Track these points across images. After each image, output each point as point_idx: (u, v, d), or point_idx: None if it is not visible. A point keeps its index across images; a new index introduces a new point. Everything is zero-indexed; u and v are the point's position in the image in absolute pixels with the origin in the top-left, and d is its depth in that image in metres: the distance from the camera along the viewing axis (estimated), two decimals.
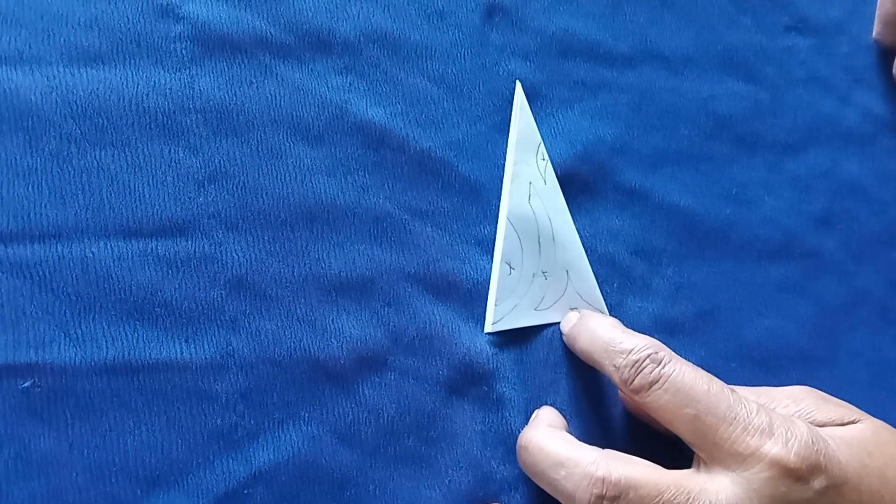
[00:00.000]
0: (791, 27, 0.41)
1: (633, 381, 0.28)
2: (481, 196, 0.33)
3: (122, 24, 0.29)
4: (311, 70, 0.31)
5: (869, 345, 0.40)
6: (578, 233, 0.34)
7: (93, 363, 0.27)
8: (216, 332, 0.29)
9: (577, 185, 0.35)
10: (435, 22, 0.33)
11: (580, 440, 0.29)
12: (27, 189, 0.27)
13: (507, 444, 0.31)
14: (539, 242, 0.33)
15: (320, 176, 0.31)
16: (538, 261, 0.33)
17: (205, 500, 0.28)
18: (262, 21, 0.31)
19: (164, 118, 0.29)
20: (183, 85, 0.30)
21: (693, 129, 0.38)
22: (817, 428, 0.28)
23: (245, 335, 0.29)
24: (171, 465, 0.28)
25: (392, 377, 0.31)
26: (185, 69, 0.30)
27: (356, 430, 0.30)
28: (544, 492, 0.29)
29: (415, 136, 0.32)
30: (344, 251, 0.31)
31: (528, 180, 0.33)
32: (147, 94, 0.29)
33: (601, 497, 0.26)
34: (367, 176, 0.31)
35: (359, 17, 0.32)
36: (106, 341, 0.27)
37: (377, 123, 0.32)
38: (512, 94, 0.34)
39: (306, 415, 0.29)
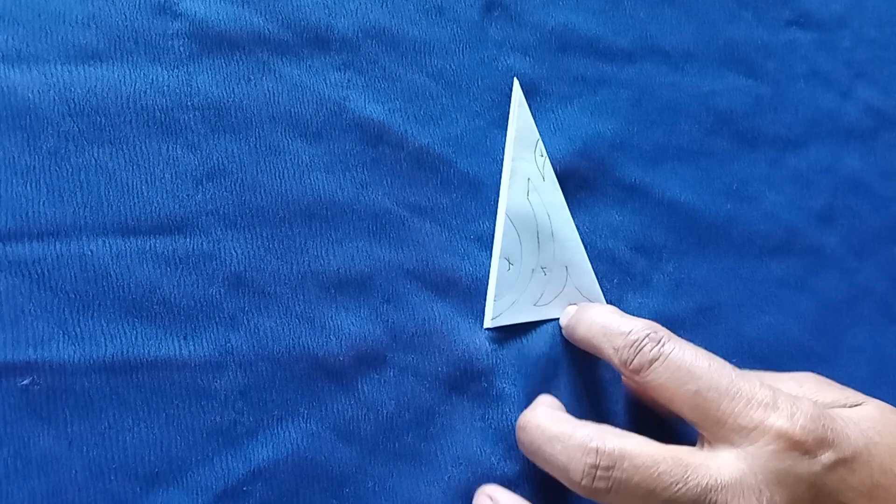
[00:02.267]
0: (792, 21, 0.41)
1: (633, 361, 0.28)
2: (480, 192, 0.33)
3: (120, 22, 0.29)
4: (310, 67, 0.31)
5: (870, 341, 0.40)
6: (578, 229, 0.34)
7: (91, 361, 0.27)
8: (215, 330, 0.29)
9: (576, 180, 0.35)
10: (433, 17, 0.33)
11: None
12: (25, 187, 0.27)
13: (507, 440, 0.31)
14: (538, 238, 0.33)
15: (318, 173, 0.31)
16: (537, 257, 0.33)
17: (204, 498, 0.28)
18: (259, 18, 0.31)
19: (162, 115, 0.29)
20: (181, 82, 0.30)
21: (693, 125, 0.38)
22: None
23: (244, 332, 0.29)
24: (170, 463, 0.28)
25: (391, 374, 0.30)
26: (182, 66, 0.30)
27: (355, 427, 0.30)
28: (544, 488, 0.29)
29: (413, 132, 0.32)
30: (342, 248, 0.31)
31: (527, 176, 0.33)
32: (145, 92, 0.29)
33: (594, 467, 0.26)
34: (365, 172, 0.31)
35: (357, 13, 0.32)
36: (104, 339, 0.27)
37: (375, 120, 0.32)
38: (510, 90, 0.34)
39: (305, 412, 0.29)
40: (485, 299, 0.32)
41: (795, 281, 0.39)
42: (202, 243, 0.29)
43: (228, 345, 0.29)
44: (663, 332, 0.29)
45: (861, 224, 0.41)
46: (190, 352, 0.28)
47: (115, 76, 0.29)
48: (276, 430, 0.29)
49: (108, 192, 0.28)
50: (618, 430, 0.27)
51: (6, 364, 0.26)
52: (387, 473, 0.30)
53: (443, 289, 0.32)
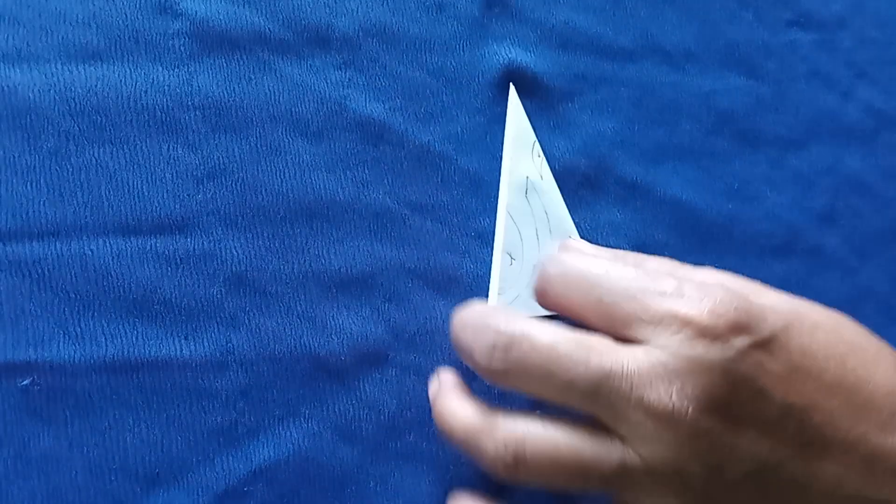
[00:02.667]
0: (793, 22, 0.41)
1: (537, 283, 0.27)
2: (481, 189, 0.33)
3: (121, 21, 0.29)
4: (310, 66, 0.31)
5: None
6: (579, 227, 0.34)
7: (92, 361, 0.27)
8: (216, 330, 0.29)
9: (577, 178, 0.35)
10: (434, 14, 0.33)
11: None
12: (26, 187, 0.27)
13: None
14: (537, 235, 0.33)
15: (319, 172, 0.31)
16: (538, 252, 0.33)
17: (205, 498, 0.27)
18: (260, 17, 0.31)
19: (163, 115, 0.29)
20: (181, 82, 0.30)
21: (694, 124, 0.38)
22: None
23: (245, 332, 0.29)
24: (170, 463, 0.27)
25: (393, 373, 0.30)
26: (183, 66, 0.30)
27: (357, 426, 0.30)
28: (545, 489, 0.29)
29: (414, 130, 0.32)
30: (344, 247, 0.31)
31: (525, 175, 0.33)
32: (145, 91, 0.29)
33: (493, 347, 0.25)
34: (366, 171, 0.31)
35: (357, 12, 0.32)
36: (105, 339, 0.27)
37: (376, 118, 0.32)
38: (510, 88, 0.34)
39: (307, 412, 0.29)
40: (487, 297, 0.32)
41: (797, 281, 0.38)
42: (203, 243, 0.29)
43: (229, 345, 0.29)
44: (567, 249, 0.27)
45: (862, 224, 0.41)
46: (191, 352, 0.28)
47: (116, 76, 0.29)
48: (277, 430, 0.29)
49: (109, 191, 0.28)
50: (533, 318, 0.26)
51: (6, 364, 0.26)
52: (388, 473, 0.30)
53: (444, 287, 0.32)
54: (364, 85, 0.32)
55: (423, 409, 0.31)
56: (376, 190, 0.31)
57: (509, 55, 0.34)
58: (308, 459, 0.29)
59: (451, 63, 0.33)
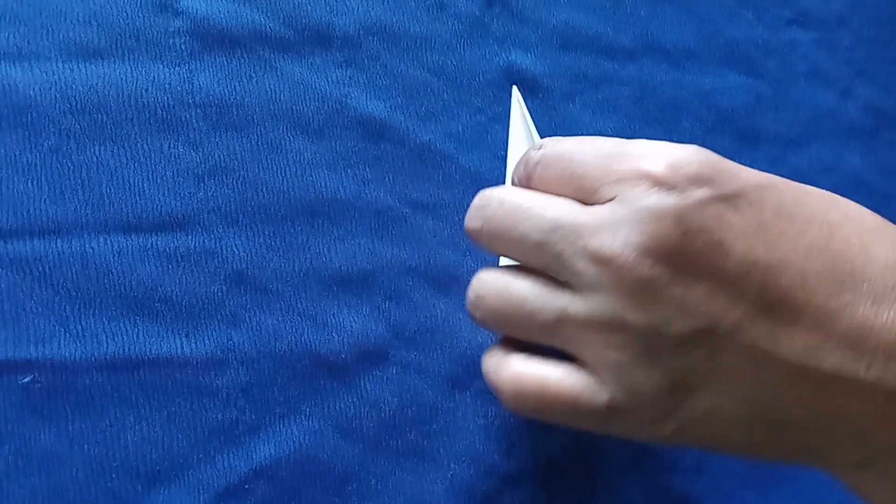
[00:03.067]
0: (792, 20, 0.41)
1: (521, 172, 0.27)
2: (482, 187, 0.32)
3: (121, 20, 0.29)
4: (311, 64, 0.31)
5: None
6: None
7: (93, 358, 0.27)
8: (217, 327, 0.29)
9: None
10: (434, 13, 0.33)
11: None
12: (26, 185, 0.27)
13: (510, 437, 0.31)
14: None
15: (320, 170, 0.31)
16: None
17: (205, 496, 0.27)
18: (261, 15, 0.31)
19: (164, 113, 0.29)
20: (182, 80, 0.30)
21: (695, 123, 0.38)
22: None
23: (246, 330, 0.29)
24: (171, 461, 0.27)
25: (394, 371, 0.30)
26: (184, 64, 0.30)
27: (358, 424, 0.30)
28: (548, 487, 0.29)
29: (415, 128, 0.32)
30: (345, 245, 0.31)
31: None
32: (146, 90, 0.29)
33: (473, 208, 0.27)
34: (367, 169, 0.31)
35: (358, 10, 0.32)
36: (106, 336, 0.27)
37: (377, 117, 0.32)
38: (511, 86, 0.34)
39: (307, 409, 0.29)
40: None
41: None
42: (204, 241, 0.29)
43: (230, 342, 0.29)
44: (552, 138, 0.27)
45: None
46: (192, 349, 0.28)
47: (117, 74, 0.29)
48: (278, 428, 0.29)
49: (110, 189, 0.28)
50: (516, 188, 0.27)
51: (7, 362, 0.26)
52: (389, 471, 0.30)
53: (445, 285, 0.32)
54: (365, 83, 0.32)
55: (424, 406, 0.31)
56: (377, 188, 0.31)
57: (510, 55, 0.34)
58: (309, 457, 0.29)
59: (451, 62, 0.33)
